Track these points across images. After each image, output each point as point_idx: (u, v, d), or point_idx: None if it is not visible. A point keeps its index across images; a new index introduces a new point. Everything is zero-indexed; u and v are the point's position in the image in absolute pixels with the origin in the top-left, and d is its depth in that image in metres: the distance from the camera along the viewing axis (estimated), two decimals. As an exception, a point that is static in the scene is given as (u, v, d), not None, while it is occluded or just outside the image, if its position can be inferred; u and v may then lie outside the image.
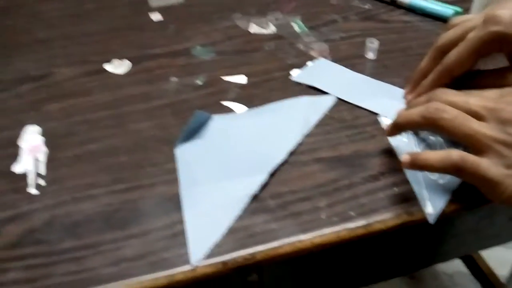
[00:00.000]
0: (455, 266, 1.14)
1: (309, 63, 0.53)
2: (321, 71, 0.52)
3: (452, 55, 0.38)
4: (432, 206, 0.37)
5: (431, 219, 0.36)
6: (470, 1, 0.60)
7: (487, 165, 0.32)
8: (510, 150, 0.32)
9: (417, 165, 0.35)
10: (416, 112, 0.36)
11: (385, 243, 0.39)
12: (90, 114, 0.48)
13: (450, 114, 0.34)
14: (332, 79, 0.51)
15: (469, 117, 0.34)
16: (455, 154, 0.33)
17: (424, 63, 0.42)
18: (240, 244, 0.35)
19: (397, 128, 0.39)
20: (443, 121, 0.34)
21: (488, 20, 0.36)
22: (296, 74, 0.52)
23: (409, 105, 0.41)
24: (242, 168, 0.40)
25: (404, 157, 0.36)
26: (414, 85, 0.43)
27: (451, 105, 0.35)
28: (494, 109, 0.34)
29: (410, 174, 0.39)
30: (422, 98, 0.38)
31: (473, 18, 0.39)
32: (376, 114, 0.46)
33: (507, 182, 0.32)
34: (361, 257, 0.41)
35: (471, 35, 0.37)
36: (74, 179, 0.41)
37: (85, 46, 0.58)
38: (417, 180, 0.39)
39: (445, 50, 0.40)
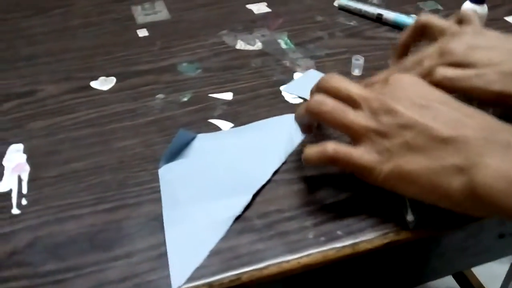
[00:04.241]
0: (446, 282, 1.14)
1: (296, 75, 0.54)
2: (311, 83, 0.52)
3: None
4: (411, 213, 0.37)
5: (411, 225, 0.36)
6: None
7: (360, 154, 0.35)
8: (381, 138, 0.35)
9: (304, 160, 0.37)
10: (302, 106, 0.39)
11: (372, 262, 0.39)
12: (74, 132, 0.47)
13: (328, 106, 0.36)
14: None
15: (346, 108, 0.36)
16: (330, 147, 0.35)
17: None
18: (226, 265, 0.35)
19: (298, 122, 0.41)
20: (323, 113, 0.36)
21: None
22: (285, 85, 0.52)
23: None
24: (226, 188, 0.40)
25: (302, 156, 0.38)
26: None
27: (334, 91, 0.37)
28: (367, 99, 0.36)
29: None
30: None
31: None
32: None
33: (379, 168, 0.34)
34: (349, 276, 0.41)
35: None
36: (57, 198, 0.41)
37: (70, 63, 0.58)
38: None
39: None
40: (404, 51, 0.47)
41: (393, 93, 0.36)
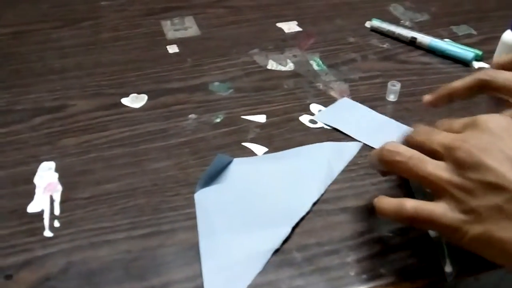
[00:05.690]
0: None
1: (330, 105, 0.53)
2: (344, 111, 0.51)
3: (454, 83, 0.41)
4: (451, 264, 0.35)
5: (449, 278, 0.35)
6: (490, 44, 0.60)
7: (443, 212, 0.31)
8: (466, 195, 0.30)
9: (377, 213, 0.34)
10: (374, 154, 0.35)
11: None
12: (106, 151, 0.47)
13: (403, 156, 0.33)
14: (354, 121, 0.50)
15: (424, 158, 0.32)
16: (409, 206, 0.32)
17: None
18: (266, 301, 0.34)
19: (373, 168, 0.38)
20: (396, 163, 0.33)
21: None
22: (317, 113, 0.51)
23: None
24: (264, 219, 0.39)
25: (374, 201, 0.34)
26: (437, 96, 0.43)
27: (419, 145, 0.34)
28: (450, 148, 0.32)
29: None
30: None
31: None
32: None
33: (465, 228, 0.30)
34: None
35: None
36: (90, 221, 0.40)
37: (100, 78, 0.57)
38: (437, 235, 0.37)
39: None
40: None
41: (482, 141, 0.31)
